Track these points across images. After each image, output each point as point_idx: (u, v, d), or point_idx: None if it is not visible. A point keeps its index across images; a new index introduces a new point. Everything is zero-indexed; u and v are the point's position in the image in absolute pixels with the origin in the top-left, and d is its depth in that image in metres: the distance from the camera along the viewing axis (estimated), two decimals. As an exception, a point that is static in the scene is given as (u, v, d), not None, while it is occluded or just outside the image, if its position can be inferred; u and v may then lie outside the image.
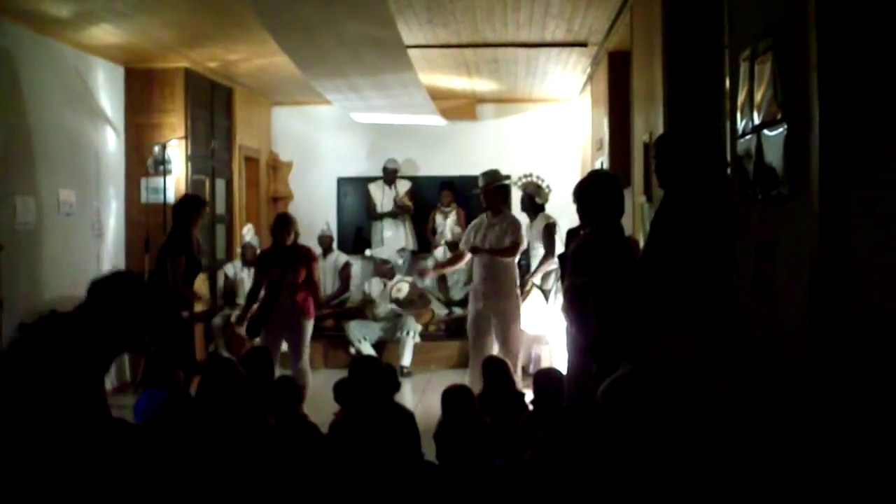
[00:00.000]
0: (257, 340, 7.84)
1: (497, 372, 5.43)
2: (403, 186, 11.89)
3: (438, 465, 4.06)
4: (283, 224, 7.58)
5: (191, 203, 7.53)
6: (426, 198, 11.98)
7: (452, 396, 4.46)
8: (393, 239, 11.63)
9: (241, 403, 3.68)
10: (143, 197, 9.29)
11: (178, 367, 6.11)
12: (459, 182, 11.97)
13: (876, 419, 1.80)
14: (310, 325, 7.68)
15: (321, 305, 8.47)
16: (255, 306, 7.67)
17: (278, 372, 7.26)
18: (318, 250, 9.77)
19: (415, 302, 10.13)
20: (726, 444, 2.54)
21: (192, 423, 4.67)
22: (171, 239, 7.28)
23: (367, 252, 11.45)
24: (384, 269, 10.45)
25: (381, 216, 11.81)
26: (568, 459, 3.02)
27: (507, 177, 7.94)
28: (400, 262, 11.31)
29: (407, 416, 4.31)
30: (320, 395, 8.23)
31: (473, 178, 11.80)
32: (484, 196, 7.74)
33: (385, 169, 11.80)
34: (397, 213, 11.75)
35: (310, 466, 3.91)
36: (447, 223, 11.51)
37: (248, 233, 10.19)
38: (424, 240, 11.91)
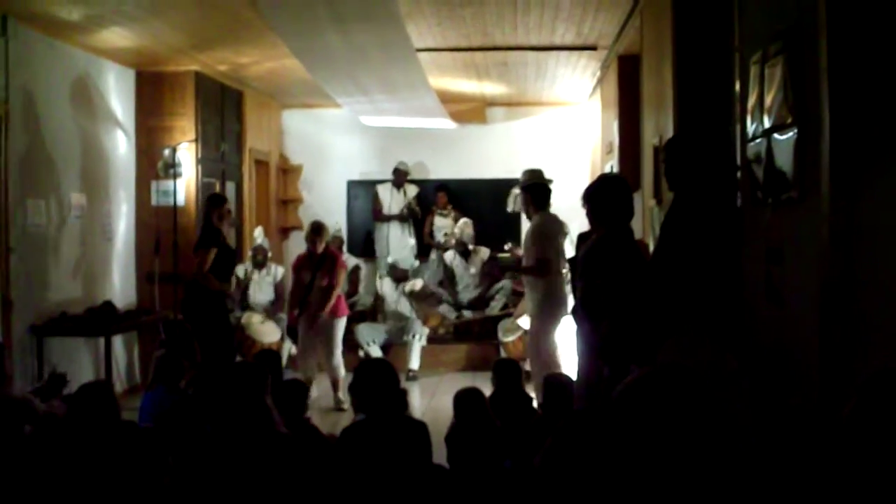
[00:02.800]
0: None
1: (508, 375, 5.41)
2: (412, 191, 11.90)
3: (448, 468, 4.06)
4: (313, 232, 8.38)
5: (210, 200, 7.84)
6: (433, 202, 11.98)
7: (465, 399, 4.44)
8: (399, 243, 11.65)
9: (251, 406, 3.68)
10: (154, 200, 9.31)
11: (193, 368, 6.15)
12: (468, 185, 12.01)
13: None
14: (341, 324, 8.48)
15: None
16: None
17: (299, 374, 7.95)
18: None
19: (428, 298, 10.14)
20: (738, 446, 2.54)
21: (200, 424, 4.70)
22: (200, 235, 7.56)
23: (390, 259, 11.39)
24: (398, 273, 10.48)
25: (388, 218, 11.82)
26: (578, 463, 3.02)
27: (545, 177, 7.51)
28: (417, 263, 11.35)
29: (418, 424, 4.30)
30: (330, 397, 8.34)
31: (483, 182, 11.97)
32: (522, 198, 7.49)
33: (396, 171, 11.80)
34: (405, 217, 11.76)
35: (317, 469, 3.91)
36: (447, 224, 11.51)
37: (259, 235, 10.22)
38: (424, 244, 11.91)
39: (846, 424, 1.91)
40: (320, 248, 8.34)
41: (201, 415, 5.03)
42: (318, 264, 8.30)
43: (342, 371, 8.33)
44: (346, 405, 7.96)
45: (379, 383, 4.14)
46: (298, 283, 8.44)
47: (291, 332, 8.57)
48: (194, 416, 4.94)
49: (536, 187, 7.32)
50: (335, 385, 8.39)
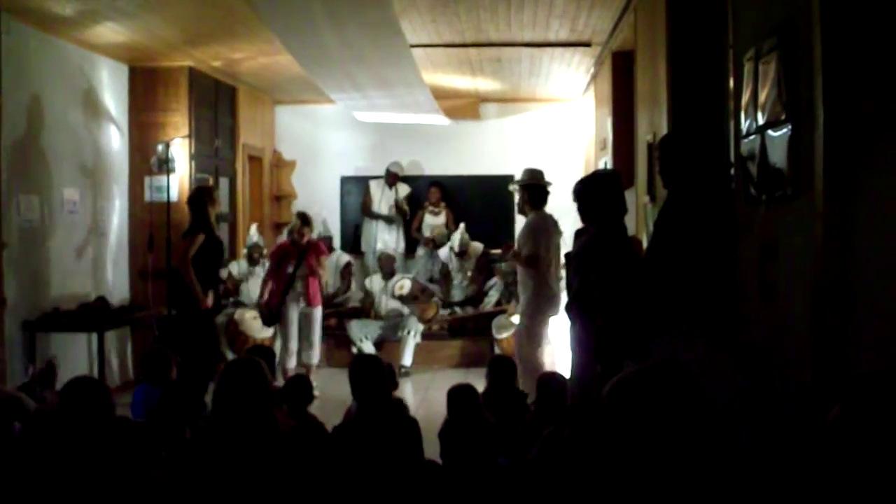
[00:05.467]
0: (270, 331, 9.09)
1: (502, 371, 5.41)
2: (404, 190, 11.88)
3: (442, 464, 4.06)
4: (302, 222, 8.52)
5: (201, 192, 7.77)
6: (426, 198, 11.97)
7: (458, 395, 4.45)
8: (387, 241, 11.64)
9: (260, 405, 3.67)
10: (147, 195, 9.29)
11: (188, 363, 6.14)
12: (461, 181, 12.00)
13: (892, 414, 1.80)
14: (318, 313, 8.68)
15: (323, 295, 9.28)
16: (267, 295, 8.56)
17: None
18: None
19: (418, 297, 10.14)
20: (730, 442, 2.54)
21: (185, 419, 4.69)
22: (190, 224, 7.51)
23: (379, 246, 11.41)
24: (386, 264, 10.48)
25: (376, 216, 11.80)
26: (571, 459, 3.02)
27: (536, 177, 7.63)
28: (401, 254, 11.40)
29: (410, 421, 4.30)
30: (324, 394, 8.34)
31: (476, 178, 11.97)
32: (519, 195, 7.65)
33: (388, 172, 11.78)
34: (392, 219, 11.74)
35: (317, 466, 3.91)
36: (437, 223, 11.51)
37: (254, 234, 10.18)
38: (411, 240, 11.90)
39: (831, 430, 1.91)
40: (307, 238, 8.45)
41: (186, 409, 5.03)
42: (303, 255, 8.39)
43: (317, 359, 8.69)
44: (317, 392, 8.09)
45: (367, 379, 4.14)
46: (280, 273, 8.45)
47: (270, 318, 8.61)
48: (179, 411, 4.94)
49: (534, 187, 7.40)
50: (308, 370, 8.50)
